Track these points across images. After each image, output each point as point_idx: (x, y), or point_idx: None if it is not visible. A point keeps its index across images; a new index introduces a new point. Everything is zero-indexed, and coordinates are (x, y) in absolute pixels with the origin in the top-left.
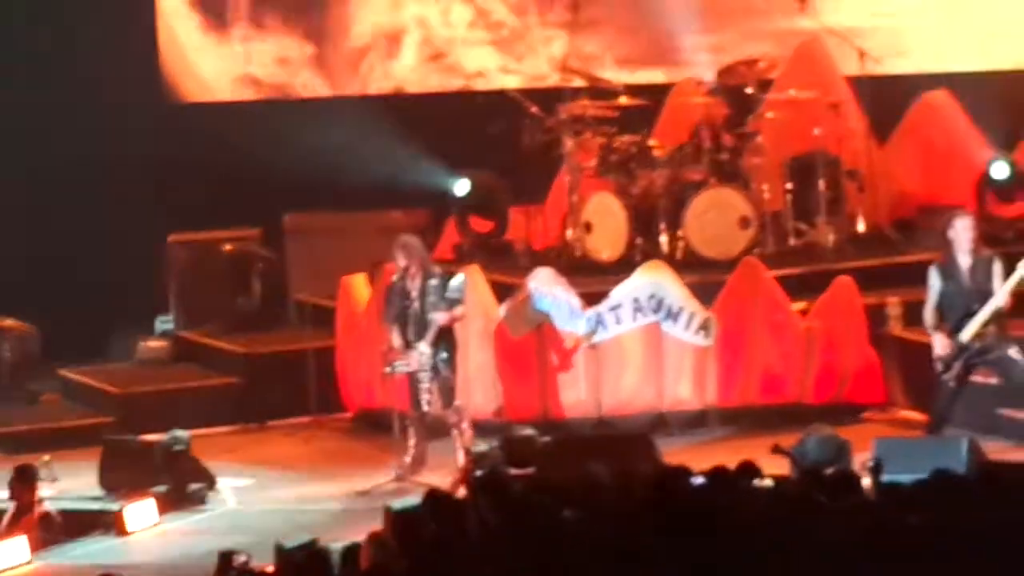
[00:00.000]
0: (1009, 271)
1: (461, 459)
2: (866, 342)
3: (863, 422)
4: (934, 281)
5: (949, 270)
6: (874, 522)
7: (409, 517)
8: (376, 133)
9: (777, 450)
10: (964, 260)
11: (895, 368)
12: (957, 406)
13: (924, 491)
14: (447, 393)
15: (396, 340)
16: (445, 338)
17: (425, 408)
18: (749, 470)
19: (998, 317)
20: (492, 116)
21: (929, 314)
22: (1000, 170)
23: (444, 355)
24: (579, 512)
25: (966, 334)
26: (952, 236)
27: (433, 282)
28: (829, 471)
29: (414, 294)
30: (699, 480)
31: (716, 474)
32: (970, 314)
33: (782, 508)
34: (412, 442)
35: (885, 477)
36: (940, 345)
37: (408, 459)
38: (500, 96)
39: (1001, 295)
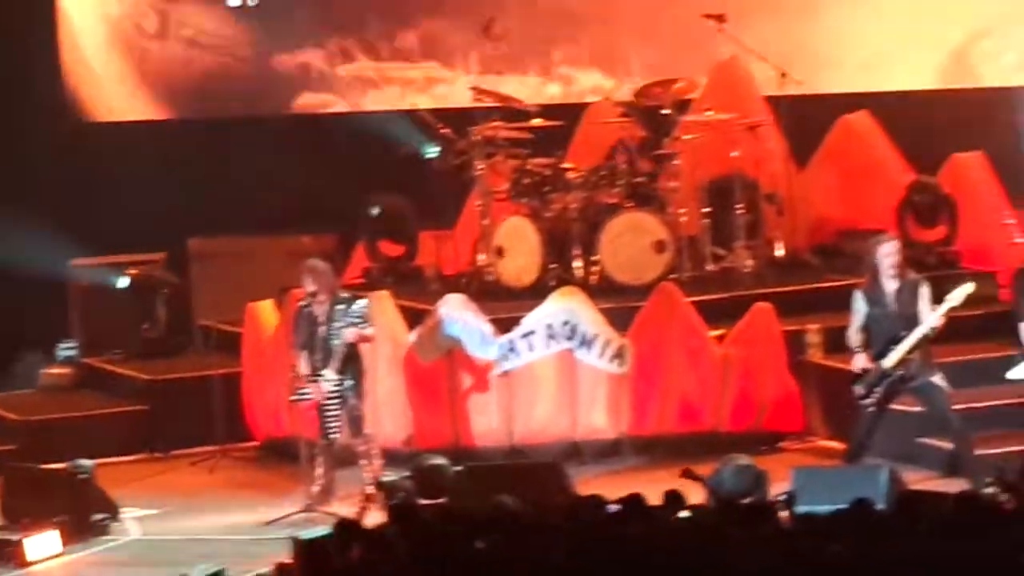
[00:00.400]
0: (936, 294)
1: (369, 489)
2: (784, 370)
3: (781, 451)
4: (859, 305)
5: (874, 295)
6: (789, 552)
7: (317, 547)
8: (284, 155)
9: (688, 475)
10: (890, 284)
11: (814, 396)
12: (877, 435)
13: (842, 521)
14: (355, 421)
15: (304, 367)
16: (352, 365)
17: (332, 437)
18: (675, 501)
19: (923, 344)
20: (403, 138)
21: (854, 336)
22: (920, 194)
23: (350, 382)
24: (491, 542)
25: (890, 360)
26: (876, 261)
27: (340, 307)
28: (745, 501)
29: (322, 319)
30: (613, 507)
31: (631, 502)
32: (895, 340)
33: (697, 538)
34: (320, 471)
35: (804, 507)
36: (860, 363)
37: (316, 489)
38: (411, 118)
39: (929, 323)
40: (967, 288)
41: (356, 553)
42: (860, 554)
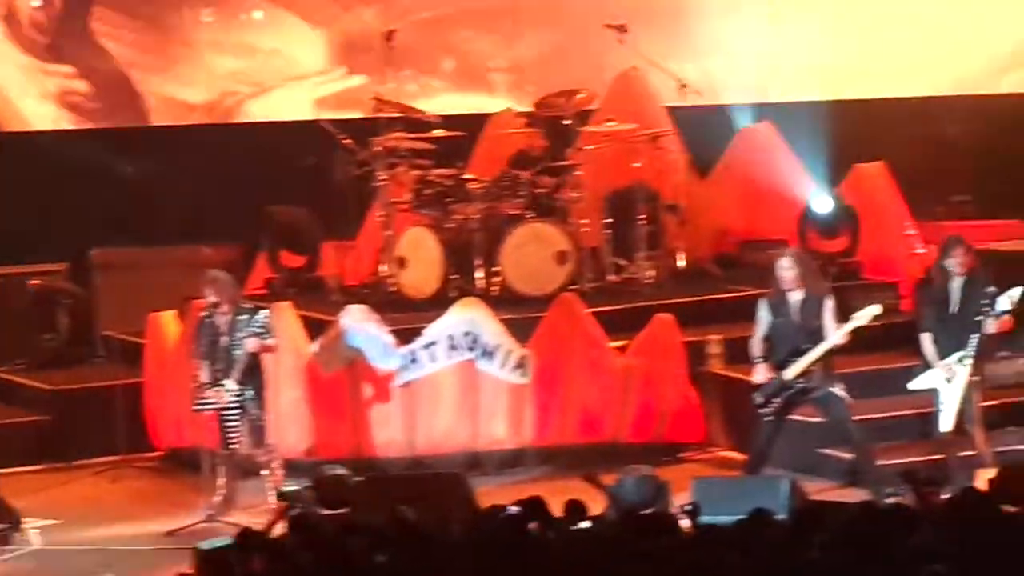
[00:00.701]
0: (839, 304)
1: (272, 499)
2: (685, 380)
3: (682, 462)
4: (763, 314)
5: (778, 306)
6: (691, 563)
7: (218, 557)
8: (186, 166)
9: (590, 479)
10: (794, 296)
11: (715, 407)
12: (777, 445)
13: (742, 532)
14: (256, 432)
15: (205, 376)
16: (253, 375)
17: (233, 447)
18: (576, 511)
19: (825, 356)
20: (304, 149)
21: (756, 345)
22: (822, 204)
23: (250, 393)
24: (392, 556)
25: (791, 372)
26: (778, 274)
27: (242, 317)
28: (646, 512)
29: (224, 329)
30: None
31: (531, 504)
32: (798, 352)
33: (599, 549)
34: (221, 481)
35: (705, 518)
36: (760, 374)
37: (218, 499)
38: (312, 128)
39: (834, 339)
40: (874, 310)
41: (257, 564)
42: (761, 564)
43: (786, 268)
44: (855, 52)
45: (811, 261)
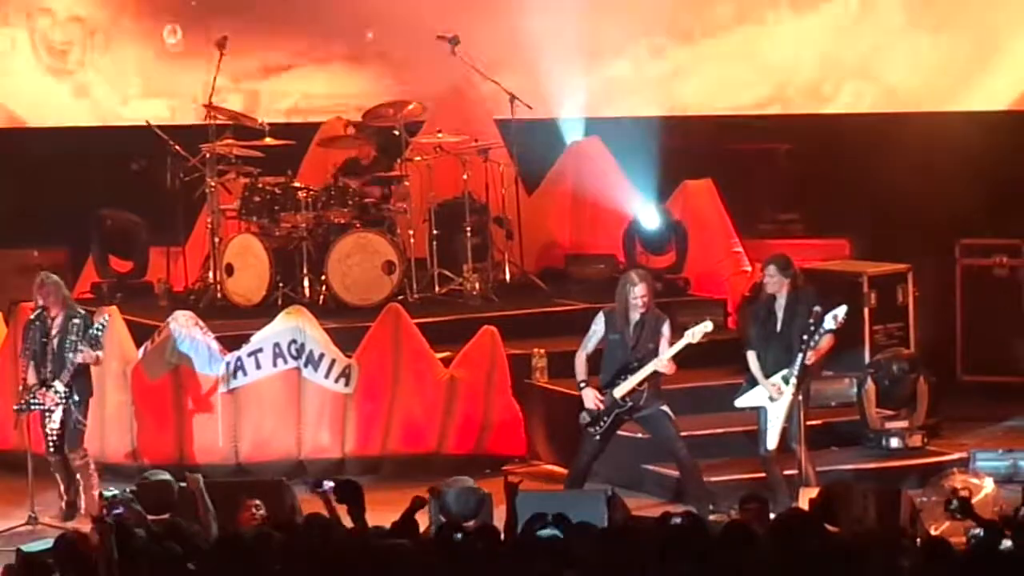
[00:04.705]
0: (673, 330)
1: (84, 503)
2: (508, 393)
3: (504, 474)
4: (599, 327)
5: (617, 322)
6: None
7: (38, 561)
8: (14, 168)
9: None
10: (633, 316)
11: (538, 420)
12: (601, 460)
13: (560, 544)
14: (74, 436)
15: (32, 377)
16: (80, 382)
17: (53, 448)
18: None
19: (654, 376)
20: (135, 153)
21: (581, 364)
22: (650, 219)
23: (76, 398)
24: (205, 565)
25: (620, 390)
26: (626, 297)
27: (76, 321)
28: (470, 524)
29: (54, 332)
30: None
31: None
32: (628, 370)
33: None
34: (63, 487)
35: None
36: (589, 401)
37: (63, 504)
38: (143, 132)
39: (662, 359)
40: (705, 326)
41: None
42: None
43: (641, 295)
44: (685, 67)
45: (655, 283)
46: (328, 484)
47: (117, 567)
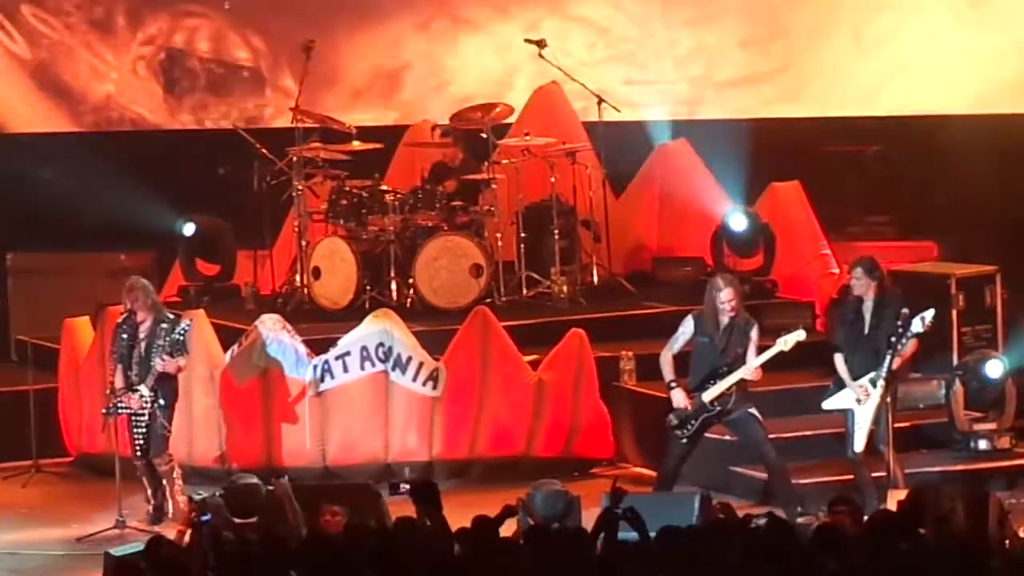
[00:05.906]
0: (762, 333)
1: (171, 508)
2: (596, 396)
3: (592, 477)
4: (688, 328)
5: (707, 325)
6: None
7: (129, 564)
8: (103, 172)
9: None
10: (722, 320)
11: (626, 422)
12: (690, 462)
13: (652, 547)
14: (159, 441)
15: (119, 381)
16: (165, 386)
17: (140, 452)
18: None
19: (742, 380)
20: (222, 157)
21: (667, 364)
22: (737, 222)
23: (162, 402)
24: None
25: (709, 395)
26: (714, 302)
27: (164, 326)
28: (556, 526)
29: (141, 336)
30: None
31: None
32: (717, 375)
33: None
34: (149, 492)
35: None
36: (678, 401)
37: (149, 508)
38: (230, 137)
39: (750, 367)
40: (798, 334)
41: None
42: None
43: (729, 300)
44: (775, 70)
45: (742, 286)
46: (404, 486)
47: (213, 571)
